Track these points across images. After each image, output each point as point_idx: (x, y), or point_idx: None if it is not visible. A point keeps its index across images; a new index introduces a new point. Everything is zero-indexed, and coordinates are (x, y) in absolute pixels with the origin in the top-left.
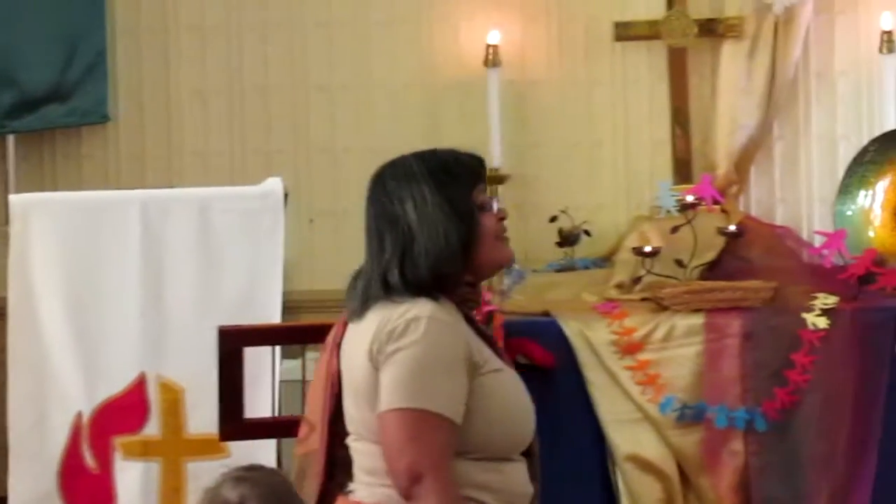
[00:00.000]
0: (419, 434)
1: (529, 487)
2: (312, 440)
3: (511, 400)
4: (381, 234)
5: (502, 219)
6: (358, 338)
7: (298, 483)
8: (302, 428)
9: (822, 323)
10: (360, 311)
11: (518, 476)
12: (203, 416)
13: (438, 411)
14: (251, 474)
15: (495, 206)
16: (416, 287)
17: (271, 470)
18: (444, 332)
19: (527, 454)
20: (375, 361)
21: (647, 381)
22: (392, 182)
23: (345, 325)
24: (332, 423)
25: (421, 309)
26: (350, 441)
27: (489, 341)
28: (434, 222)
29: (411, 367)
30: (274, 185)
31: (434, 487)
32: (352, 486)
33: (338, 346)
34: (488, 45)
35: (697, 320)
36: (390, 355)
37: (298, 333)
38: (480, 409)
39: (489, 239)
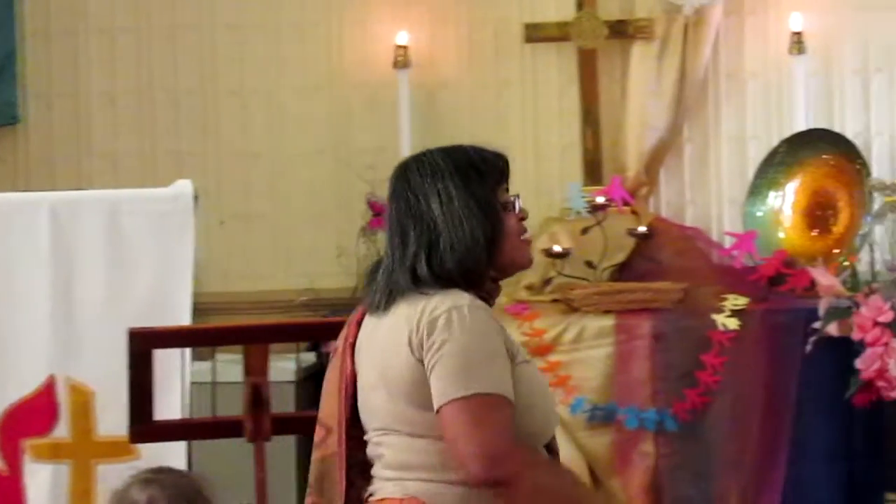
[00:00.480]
0: (484, 417)
1: None
2: (330, 443)
3: (540, 392)
4: (405, 230)
5: (523, 219)
6: (385, 331)
7: (318, 487)
8: (317, 432)
9: (733, 324)
10: (384, 303)
11: None
12: (113, 418)
13: (496, 392)
14: (160, 476)
15: (517, 206)
16: (445, 280)
17: (180, 472)
18: (486, 318)
19: (548, 449)
20: (419, 353)
21: (557, 382)
22: (417, 177)
23: (357, 324)
24: (350, 427)
25: (456, 299)
26: (374, 437)
27: None
28: (459, 219)
29: (463, 356)
30: (184, 187)
31: (518, 460)
32: (372, 487)
33: (352, 346)
34: (398, 47)
35: (608, 322)
36: (438, 348)
37: (208, 335)
38: (517, 398)
39: (512, 238)
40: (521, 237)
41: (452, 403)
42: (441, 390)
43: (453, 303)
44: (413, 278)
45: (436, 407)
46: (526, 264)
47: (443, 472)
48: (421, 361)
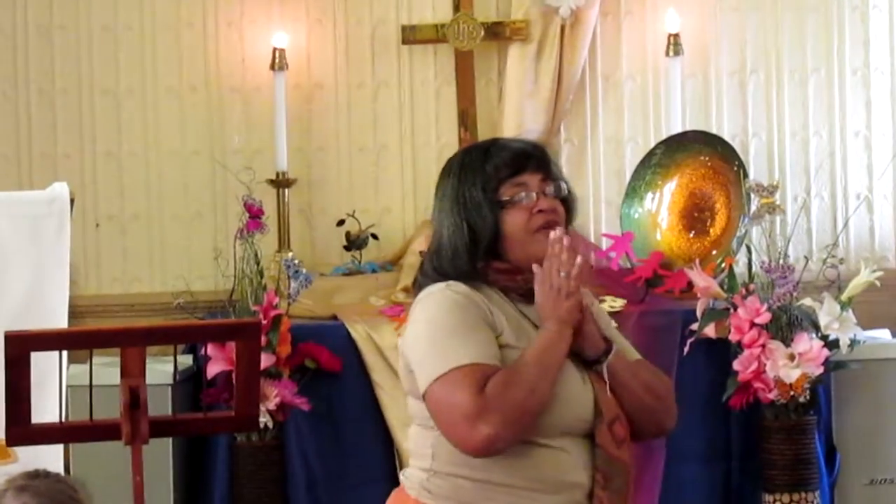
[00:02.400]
0: (454, 390)
1: (566, 476)
2: None
3: None
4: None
5: (541, 211)
6: None
7: None
8: None
9: None
10: None
11: (538, 463)
12: None
13: (466, 362)
14: (34, 483)
15: (530, 199)
16: (433, 279)
17: (56, 477)
18: (453, 297)
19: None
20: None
21: None
22: (439, 179)
23: None
24: None
25: (432, 287)
26: None
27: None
28: (442, 221)
29: (429, 339)
30: (60, 189)
31: (495, 404)
32: None
33: None
34: (275, 49)
35: None
36: (412, 338)
37: (85, 338)
38: None
39: (518, 235)
40: (534, 231)
41: (429, 389)
42: (420, 379)
43: (426, 293)
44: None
45: (422, 396)
46: (543, 256)
47: (420, 459)
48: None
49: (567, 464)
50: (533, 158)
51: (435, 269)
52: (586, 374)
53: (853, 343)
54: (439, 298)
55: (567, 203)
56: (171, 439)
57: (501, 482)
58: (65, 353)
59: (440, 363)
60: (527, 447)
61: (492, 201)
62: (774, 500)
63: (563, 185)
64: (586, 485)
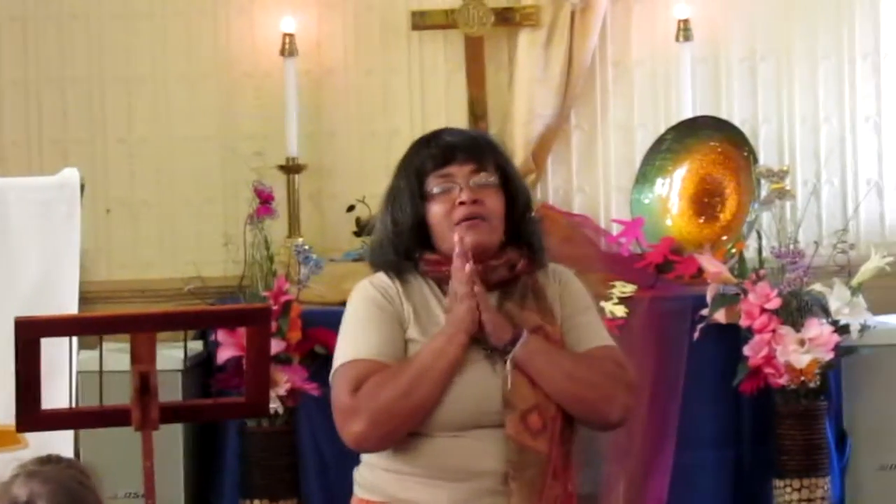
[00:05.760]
0: (336, 385)
1: (472, 464)
2: None
3: None
4: None
5: (462, 203)
6: None
7: None
8: None
9: (620, 311)
10: None
11: (441, 453)
12: (0, 408)
13: (349, 359)
14: (44, 469)
15: (449, 191)
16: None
17: (67, 463)
18: (360, 294)
19: None
20: None
21: None
22: None
23: None
24: None
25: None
26: None
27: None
28: (378, 214)
29: (339, 334)
30: (70, 175)
31: (364, 403)
32: None
33: None
34: (284, 34)
35: None
36: None
37: (96, 324)
38: None
39: (440, 227)
40: (455, 223)
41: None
42: None
43: (355, 286)
44: None
45: None
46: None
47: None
48: None
49: (474, 453)
50: (461, 150)
51: (370, 261)
52: (499, 364)
53: (864, 328)
54: (354, 293)
55: (512, 191)
56: (181, 425)
57: (408, 472)
58: (75, 338)
59: (337, 358)
60: (429, 439)
61: (416, 194)
62: (785, 486)
63: (489, 176)
64: (499, 472)
